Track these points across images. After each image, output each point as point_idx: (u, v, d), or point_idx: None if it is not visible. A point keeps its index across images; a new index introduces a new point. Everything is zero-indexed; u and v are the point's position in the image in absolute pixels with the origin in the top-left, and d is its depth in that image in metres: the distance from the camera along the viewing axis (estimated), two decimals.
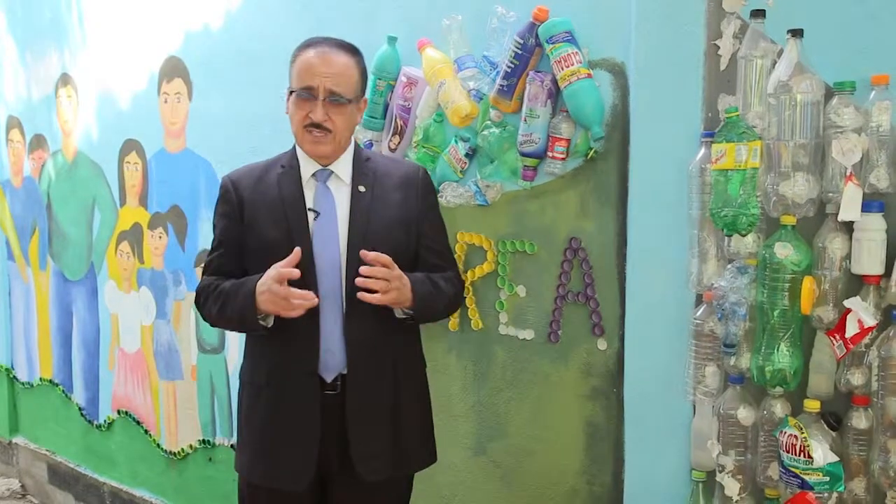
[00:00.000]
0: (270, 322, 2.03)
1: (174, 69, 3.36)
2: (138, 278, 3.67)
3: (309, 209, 2.07)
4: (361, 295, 1.94)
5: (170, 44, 3.36)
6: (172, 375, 3.57)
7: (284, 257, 1.96)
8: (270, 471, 2.09)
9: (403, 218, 2.10)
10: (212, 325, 2.23)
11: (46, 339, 4.33)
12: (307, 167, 2.10)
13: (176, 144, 3.41)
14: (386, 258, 1.95)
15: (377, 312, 2.04)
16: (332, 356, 2.05)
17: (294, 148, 2.14)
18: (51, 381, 4.32)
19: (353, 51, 2.09)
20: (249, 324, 2.03)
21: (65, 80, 3.96)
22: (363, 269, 1.94)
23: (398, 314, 2.07)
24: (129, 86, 3.59)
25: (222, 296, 2.07)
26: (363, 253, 1.95)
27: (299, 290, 1.94)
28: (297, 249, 1.95)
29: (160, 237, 3.53)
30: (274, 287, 1.94)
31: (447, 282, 2.14)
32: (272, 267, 1.96)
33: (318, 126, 2.02)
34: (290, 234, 2.03)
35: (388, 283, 1.96)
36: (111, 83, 3.69)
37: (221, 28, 3.15)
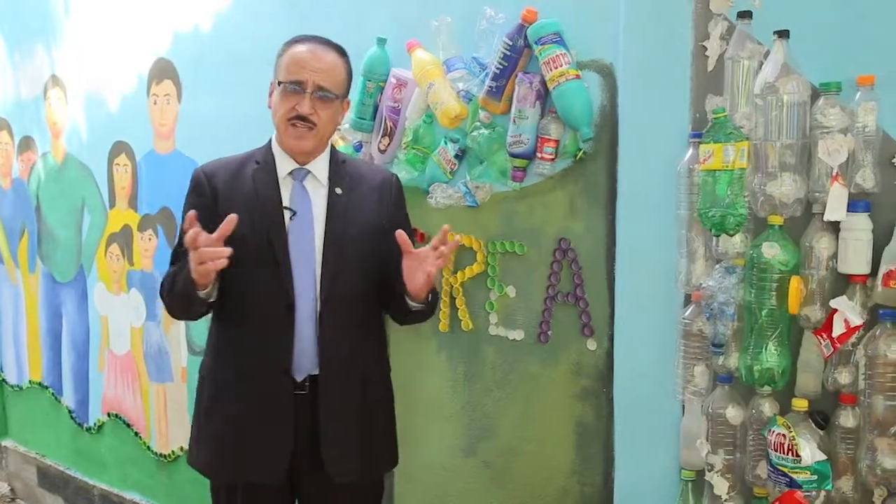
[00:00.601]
0: (213, 294, 1.99)
1: (163, 71, 3.35)
2: (128, 280, 3.67)
3: (285, 207, 2.06)
4: (437, 259, 1.95)
5: (159, 45, 3.36)
6: (162, 377, 3.56)
7: (259, 254, 1.97)
8: (243, 466, 2.08)
9: (377, 223, 2.11)
10: (171, 314, 2.20)
11: (36, 342, 4.31)
12: (283, 164, 2.10)
13: (165, 146, 3.41)
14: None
15: (349, 314, 2.06)
16: (305, 356, 2.05)
17: (269, 144, 2.14)
18: (40, 384, 4.31)
19: (341, 51, 2.11)
20: (193, 297, 1.97)
21: (54, 81, 3.94)
22: (451, 242, 1.99)
23: (412, 305, 2.06)
24: (118, 87, 3.58)
25: (173, 276, 2.05)
26: (399, 234, 1.96)
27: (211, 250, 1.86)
28: (233, 216, 1.88)
29: (150, 239, 3.52)
30: (186, 240, 1.87)
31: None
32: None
33: (303, 119, 2.02)
34: (266, 231, 2.03)
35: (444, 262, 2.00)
36: (100, 85, 3.68)
37: (211, 30, 3.14)
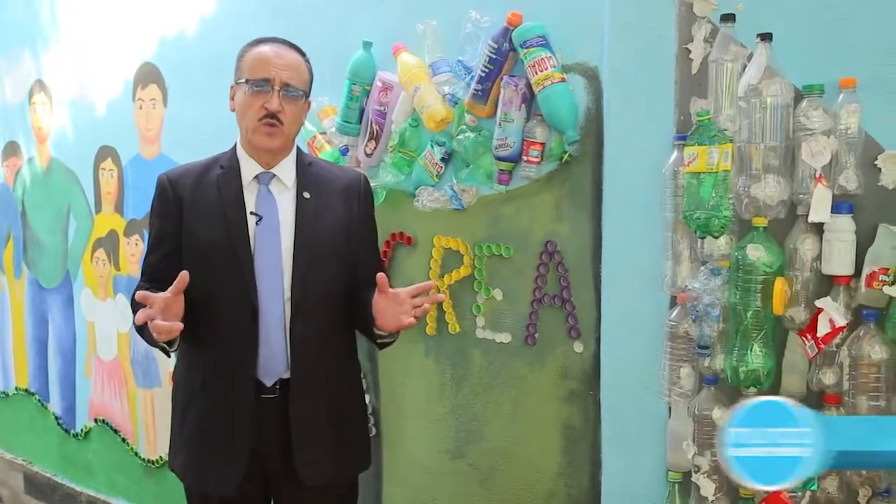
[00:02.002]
0: (176, 346, 1.98)
1: (149, 75, 3.35)
2: (114, 285, 3.65)
3: (251, 213, 2.05)
4: (415, 310, 1.94)
5: (144, 50, 3.35)
6: (150, 383, 3.55)
7: (223, 260, 1.97)
8: (202, 474, 2.09)
9: (346, 226, 2.11)
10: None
11: (22, 348, 4.29)
12: (249, 169, 2.08)
13: (151, 150, 3.40)
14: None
15: (319, 318, 2.05)
16: (274, 360, 2.04)
17: (234, 149, 2.12)
18: (26, 391, 4.28)
19: (301, 52, 2.11)
20: (158, 347, 1.98)
21: (39, 86, 3.93)
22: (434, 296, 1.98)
23: (380, 334, 2.05)
24: (103, 92, 3.57)
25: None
26: (380, 276, 1.95)
27: (162, 323, 1.85)
28: (184, 273, 1.87)
29: (136, 244, 3.50)
30: (146, 311, 1.87)
31: None
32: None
33: (272, 117, 2.01)
34: (230, 237, 2.01)
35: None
36: (86, 89, 3.67)
37: (195, 34, 3.13)
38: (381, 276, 1.95)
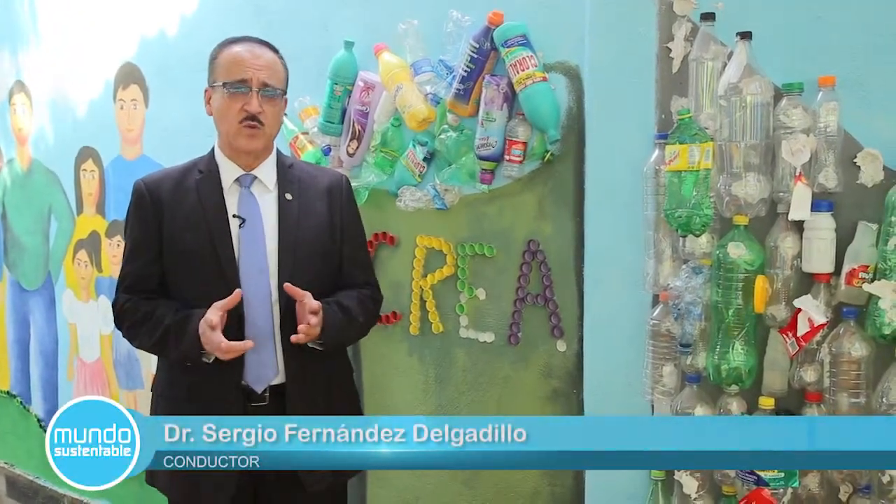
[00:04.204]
0: (212, 358, 1.96)
1: (130, 75, 3.33)
2: (97, 287, 3.63)
3: (234, 215, 2.01)
4: (296, 338, 1.92)
5: (125, 50, 3.33)
6: (133, 385, 3.53)
7: (205, 265, 1.94)
8: (193, 487, 2.02)
9: (329, 227, 2.08)
10: (136, 347, 2.17)
11: (3, 351, 4.26)
12: (229, 172, 2.05)
13: (133, 151, 3.38)
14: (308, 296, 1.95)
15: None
16: (264, 366, 2.00)
17: (212, 152, 2.09)
18: (8, 393, 4.25)
19: (276, 49, 2.08)
20: (193, 361, 1.97)
21: (19, 86, 3.90)
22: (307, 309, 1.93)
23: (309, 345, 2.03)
24: (84, 93, 3.55)
25: (159, 330, 1.98)
26: (288, 286, 1.94)
27: (233, 344, 1.89)
28: (238, 291, 1.91)
29: (118, 245, 3.48)
30: (207, 333, 1.89)
31: (361, 304, 2.09)
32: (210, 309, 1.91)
33: (252, 118, 1.97)
34: (212, 240, 1.98)
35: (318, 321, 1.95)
36: (66, 90, 3.64)
37: (177, 34, 3.12)
38: (287, 285, 1.93)
